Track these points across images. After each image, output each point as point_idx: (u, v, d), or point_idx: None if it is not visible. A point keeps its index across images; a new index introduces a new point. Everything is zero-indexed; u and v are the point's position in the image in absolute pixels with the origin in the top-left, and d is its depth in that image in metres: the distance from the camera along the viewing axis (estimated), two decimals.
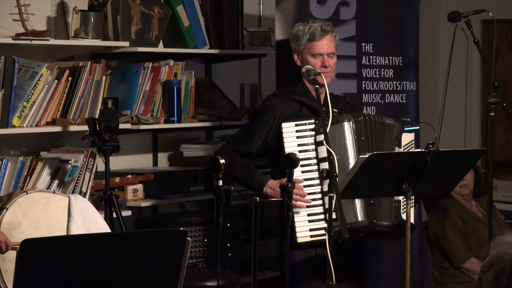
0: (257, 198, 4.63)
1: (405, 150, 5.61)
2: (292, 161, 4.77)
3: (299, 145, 5.37)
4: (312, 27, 5.59)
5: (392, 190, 5.19)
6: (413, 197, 5.25)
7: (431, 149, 5.11)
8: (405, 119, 6.04)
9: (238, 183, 5.69)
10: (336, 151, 5.28)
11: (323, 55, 5.57)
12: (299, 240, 5.33)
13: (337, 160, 5.16)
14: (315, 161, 5.29)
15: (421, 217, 6.84)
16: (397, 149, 5.59)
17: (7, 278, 4.77)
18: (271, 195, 5.37)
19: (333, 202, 4.89)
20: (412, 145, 5.71)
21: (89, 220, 5.20)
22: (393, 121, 5.67)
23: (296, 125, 5.40)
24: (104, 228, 5.29)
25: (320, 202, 5.19)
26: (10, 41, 5.61)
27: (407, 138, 5.71)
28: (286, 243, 4.97)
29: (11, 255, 4.67)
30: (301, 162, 5.24)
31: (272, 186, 5.38)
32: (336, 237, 5.01)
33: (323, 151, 5.21)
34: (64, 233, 5.06)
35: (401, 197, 5.44)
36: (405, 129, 5.73)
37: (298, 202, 5.27)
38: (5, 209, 4.94)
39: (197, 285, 5.68)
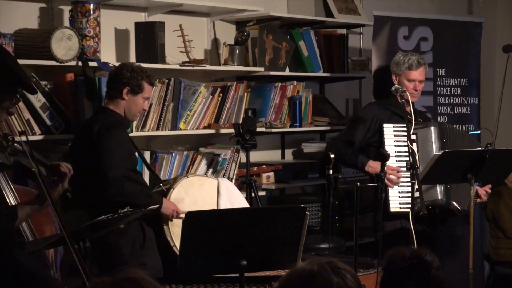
0: (358, 183, 4.61)
1: None
2: (384, 156, 4.77)
3: (395, 141, 5.34)
4: (411, 59, 5.52)
5: (460, 178, 5.08)
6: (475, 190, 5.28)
7: (489, 148, 5.03)
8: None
9: (345, 164, 5.72)
10: (424, 147, 5.31)
11: (416, 81, 5.51)
12: (392, 209, 5.30)
13: (421, 154, 5.15)
14: (406, 154, 5.22)
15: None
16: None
17: (175, 239, 4.83)
18: (371, 172, 5.34)
19: (415, 187, 4.86)
20: None
21: (233, 197, 5.22)
22: (463, 130, 5.64)
23: (394, 126, 5.37)
24: (244, 203, 5.30)
25: (408, 184, 5.13)
26: (178, 67, 5.65)
27: None
28: (379, 216, 4.93)
29: (178, 222, 4.73)
30: (396, 154, 5.34)
31: (373, 166, 5.34)
32: (418, 211, 4.95)
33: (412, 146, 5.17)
34: (215, 207, 5.09)
35: (474, 195, 5.34)
36: (469, 133, 5.67)
37: (392, 179, 5.28)
38: (172, 189, 5.01)
39: (313, 247, 5.63)
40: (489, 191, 5.67)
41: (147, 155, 5.44)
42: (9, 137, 3.12)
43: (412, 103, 5.39)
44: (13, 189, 3.54)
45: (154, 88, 5.21)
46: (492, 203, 6.75)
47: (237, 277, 3.65)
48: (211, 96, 5.84)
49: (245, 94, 6.03)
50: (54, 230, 3.75)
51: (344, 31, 6.91)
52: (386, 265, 2.84)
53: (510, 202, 6.67)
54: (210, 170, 5.76)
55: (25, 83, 3.00)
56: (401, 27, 6.52)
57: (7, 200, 3.33)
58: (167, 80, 5.55)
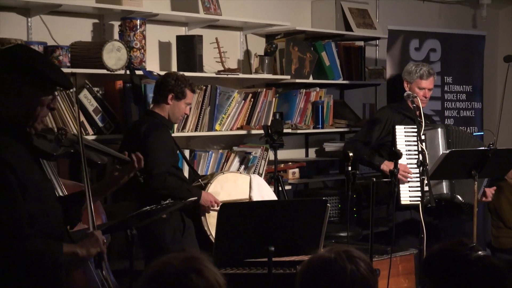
0: (374, 179, 4.57)
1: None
2: (397, 154, 4.73)
3: (406, 141, 5.30)
4: (422, 69, 5.49)
5: (465, 175, 5.05)
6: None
7: (492, 147, 4.99)
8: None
9: (362, 162, 5.68)
10: (431, 146, 5.27)
11: (426, 89, 5.49)
12: (402, 202, 5.27)
13: (429, 153, 5.12)
14: (416, 152, 5.20)
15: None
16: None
17: (212, 228, 4.83)
18: (385, 170, 5.30)
19: (425, 182, 4.83)
20: None
21: (263, 191, 5.21)
22: (467, 131, 5.59)
23: (405, 128, 5.33)
24: (273, 197, 5.30)
25: (418, 179, 5.10)
26: (214, 75, 5.66)
27: None
28: (393, 208, 4.91)
29: (214, 213, 4.72)
30: (407, 153, 5.27)
31: (387, 165, 5.31)
32: (427, 203, 4.92)
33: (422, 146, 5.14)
34: (247, 200, 5.09)
35: (482, 193, 5.32)
36: (474, 134, 5.62)
37: (404, 176, 5.23)
38: (210, 183, 5.01)
39: (333, 235, 5.63)
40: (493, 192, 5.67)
41: (186, 153, 5.46)
42: (62, 131, 3.07)
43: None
44: (59, 181, 3.51)
45: None
46: (494, 197, 6.70)
47: (266, 261, 3.65)
48: (243, 101, 5.85)
49: (274, 99, 6.03)
50: (101, 221, 3.75)
51: (361, 43, 6.89)
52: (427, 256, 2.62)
53: (510, 195, 6.63)
54: (242, 167, 5.76)
55: (56, 82, 2.87)
56: (413, 39, 6.50)
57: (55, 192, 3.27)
58: (204, 87, 5.57)
